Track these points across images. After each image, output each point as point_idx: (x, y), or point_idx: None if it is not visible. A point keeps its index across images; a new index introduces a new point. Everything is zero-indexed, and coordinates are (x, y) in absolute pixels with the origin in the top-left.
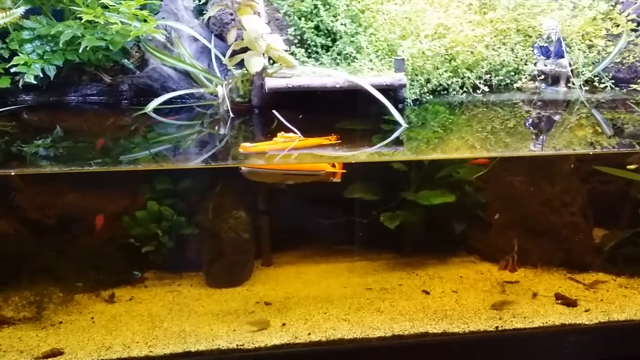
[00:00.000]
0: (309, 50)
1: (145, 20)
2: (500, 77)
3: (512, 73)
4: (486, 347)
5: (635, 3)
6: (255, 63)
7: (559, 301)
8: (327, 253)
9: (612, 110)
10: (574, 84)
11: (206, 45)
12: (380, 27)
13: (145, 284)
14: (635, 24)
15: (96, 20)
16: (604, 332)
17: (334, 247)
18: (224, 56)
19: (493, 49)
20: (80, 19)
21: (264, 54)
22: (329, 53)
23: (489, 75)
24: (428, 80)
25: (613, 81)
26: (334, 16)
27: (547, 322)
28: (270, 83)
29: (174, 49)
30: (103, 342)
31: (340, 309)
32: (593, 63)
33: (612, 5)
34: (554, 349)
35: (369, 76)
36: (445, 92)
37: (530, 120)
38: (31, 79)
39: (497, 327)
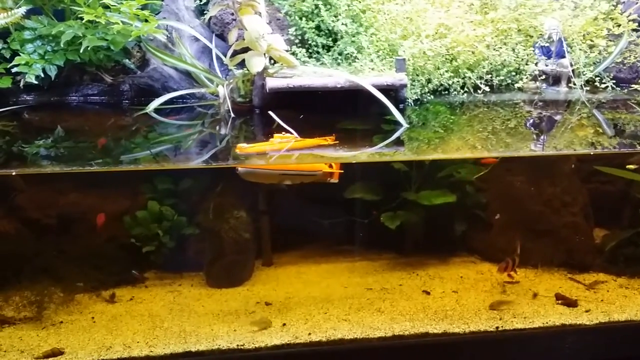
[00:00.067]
0: (310, 50)
1: (146, 20)
2: (501, 77)
3: (513, 73)
4: (486, 348)
5: (637, 3)
6: (256, 63)
7: (560, 301)
8: (327, 253)
9: (613, 111)
10: (575, 84)
11: (207, 45)
12: (381, 27)
13: (146, 284)
14: (637, 24)
15: (97, 20)
16: (604, 333)
17: (334, 247)
18: (225, 56)
19: (494, 49)
20: (82, 19)
21: (265, 54)
22: (330, 53)
23: (490, 75)
24: (429, 80)
25: (614, 81)
26: (335, 16)
27: (547, 323)
28: (272, 83)
29: (175, 49)
30: (104, 342)
31: (341, 309)
32: (594, 63)
33: (613, 5)
34: (554, 349)
35: (370, 76)
36: (446, 92)
37: (531, 120)
38: (32, 79)
39: (497, 328)
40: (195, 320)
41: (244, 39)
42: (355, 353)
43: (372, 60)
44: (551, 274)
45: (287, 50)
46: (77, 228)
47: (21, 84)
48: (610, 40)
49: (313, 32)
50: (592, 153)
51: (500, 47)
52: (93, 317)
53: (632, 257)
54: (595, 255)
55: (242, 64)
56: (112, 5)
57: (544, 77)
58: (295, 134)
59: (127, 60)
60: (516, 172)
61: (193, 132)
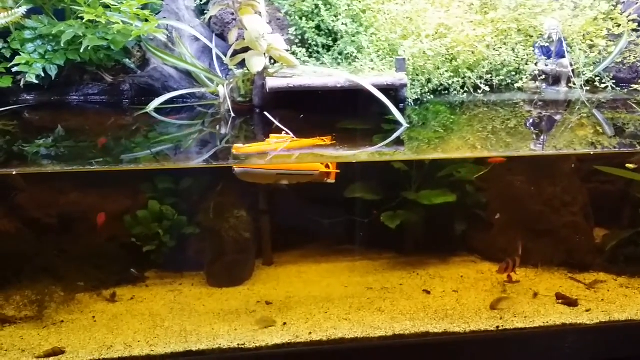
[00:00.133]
0: (310, 50)
1: (146, 20)
2: (501, 77)
3: (513, 73)
4: (487, 347)
5: (637, 3)
6: (256, 63)
7: (560, 301)
8: (328, 252)
9: (613, 111)
10: (574, 84)
11: (207, 44)
12: (381, 26)
13: (147, 283)
14: (637, 24)
15: (98, 19)
16: (604, 332)
17: (335, 247)
18: (225, 56)
19: (494, 49)
20: (82, 18)
21: (265, 54)
22: (330, 53)
23: (489, 75)
24: (429, 80)
25: (614, 81)
26: (335, 16)
27: (547, 322)
28: (272, 83)
29: (175, 49)
30: (104, 341)
31: (341, 308)
32: (594, 63)
33: (613, 5)
34: (554, 348)
35: (370, 76)
36: (446, 92)
37: (531, 120)
38: (33, 79)
39: (497, 327)
40: (196, 320)
41: (244, 39)
42: (356, 352)
43: (372, 60)
44: (551, 274)
45: (287, 50)
46: (77, 227)
47: (22, 83)
48: (610, 40)
49: (313, 32)
50: (592, 153)
51: (500, 47)
52: (94, 317)
53: (633, 257)
54: (595, 254)
55: (242, 64)
56: (113, 5)
57: (544, 77)
58: (292, 134)
59: (127, 60)
60: (516, 172)
61: (193, 132)
